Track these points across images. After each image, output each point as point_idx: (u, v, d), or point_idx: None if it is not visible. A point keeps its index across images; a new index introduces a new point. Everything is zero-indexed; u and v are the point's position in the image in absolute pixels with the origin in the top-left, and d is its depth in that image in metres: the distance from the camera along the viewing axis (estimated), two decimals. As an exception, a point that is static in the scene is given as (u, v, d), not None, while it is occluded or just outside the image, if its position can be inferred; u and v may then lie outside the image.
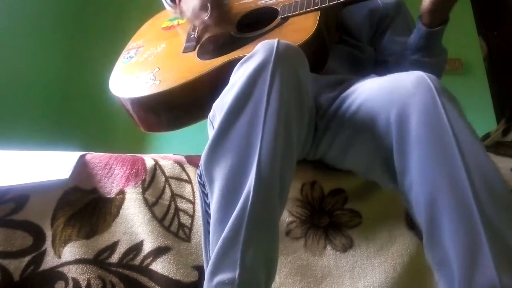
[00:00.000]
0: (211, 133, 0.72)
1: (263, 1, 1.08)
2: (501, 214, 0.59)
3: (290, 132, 0.68)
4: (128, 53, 1.14)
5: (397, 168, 0.68)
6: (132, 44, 1.18)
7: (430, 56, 0.97)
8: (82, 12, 2.22)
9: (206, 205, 0.70)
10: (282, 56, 0.69)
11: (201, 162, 0.68)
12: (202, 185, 0.70)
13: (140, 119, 1.03)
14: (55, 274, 0.84)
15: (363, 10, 1.12)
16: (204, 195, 0.70)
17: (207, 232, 0.69)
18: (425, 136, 0.64)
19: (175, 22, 1.17)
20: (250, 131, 0.64)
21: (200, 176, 0.70)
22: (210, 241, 0.65)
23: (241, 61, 0.74)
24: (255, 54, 0.71)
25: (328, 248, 0.89)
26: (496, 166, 0.64)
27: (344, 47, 1.06)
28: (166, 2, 1.12)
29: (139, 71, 1.04)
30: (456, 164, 0.61)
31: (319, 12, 0.92)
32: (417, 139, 0.65)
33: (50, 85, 2.02)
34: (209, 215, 0.68)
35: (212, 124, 0.76)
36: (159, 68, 1.01)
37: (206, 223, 0.70)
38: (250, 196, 0.60)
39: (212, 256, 0.61)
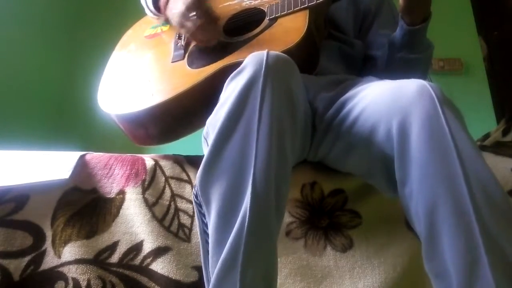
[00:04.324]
0: (205, 151, 0.72)
1: (247, 2, 1.05)
2: (500, 226, 0.59)
3: (284, 145, 0.67)
4: (112, 66, 1.10)
5: (398, 177, 0.68)
6: (115, 55, 1.13)
7: (416, 52, 0.97)
8: (83, 12, 2.22)
9: (204, 225, 0.70)
10: (272, 68, 0.69)
11: (197, 182, 0.68)
12: (199, 205, 0.70)
13: (133, 133, 1.01)
14: (55, 274, 0.84)
15: (345, 1, 1.12)
16: (201, 215, 0.70)
17: (206, 251, 0.69)
18: (426, 147, 0.64)
19: (158, 30, 1.13)
20: (243, 149, 0.64)
21: (196, 196, 0.69)
22: (209, 262, 0.65)
23: (231, 76, 0.73)
24: (245, 69, 0.70)
25: (328, 248, 0.89)
26: (496, 178, 0.63)
27: (334, 43, 1.06)
28: (150, 10, 1.09)
29: (129, 84, 1.01)
30: (456, 175, 0.61)
31: (307, 11, 0.91)
32: (418, 149, 0.64)
33: (50, 85, 2.02)
34: (207, 234, 0.67)
35: (206, 141, 0.76)
36: (149, 80, 0.98)
37: (205, 242, 0.69)
38: (247, 217, 0.60)
39: (212, 278, 0.61)
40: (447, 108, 0.66)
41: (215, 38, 0.98)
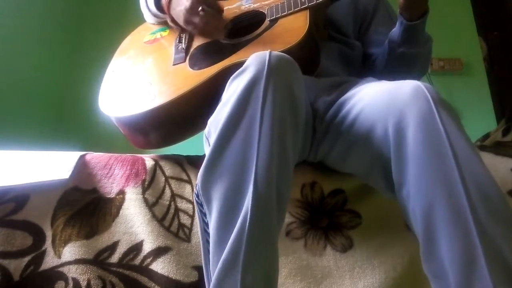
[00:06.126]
0: (207, 150, 0.71)
1: (246, 6, 1.05)
2: (497, 226, 0.59)
3: (285, 146, 0.68)
4: (113, 71, 1.10)
5: (395, 178, 0.68)
6: (115, 61, 1.13)
7: (416, 47, 0.98)
8: (83, 12, 2.22)
9: (204, 224, 0.70)
10: (274, 69, 0.69)
11: (198, 182, 0.68)
12: (200, 204, 0.70)
13: (134, 137, 1.00)
14: (55, 274, 0.84)
15: (345, 3, 1.12)
16: (202, 214, 0.70)
17: (207, 251, 0.69)
18: (422, 148, 0.64)
19: (158, 35, 1.14)
20: (245, 149, 0.64)
21: (197, 196, 0.69)
22: (210, 262, 0.65)
23: (233, 76, 0.73)
24: (247, 68, 0.70)
25: (328, 248, 0.89)
26: (493, 177, 0.63)
27: (334, 44, 1.07)
28: (152, 12, 1.09)
29: (130, 88, 1.01)
30: (452, 176, 0.61)
31: (308, 11, 0.92)
32: (414, 151, 0.65)
33: (50, 85, 2.02)
34: (208, 234, 0.68)
35: (208, 141, 0.76)
36: (151, 83, 0.98)
37: (206, 242, 0.69)
38: (248, 216, 0.60)
39: (213, 278, 0.61)
40: (442, 108, 0.66)
41: (224, 28, 0.97)
